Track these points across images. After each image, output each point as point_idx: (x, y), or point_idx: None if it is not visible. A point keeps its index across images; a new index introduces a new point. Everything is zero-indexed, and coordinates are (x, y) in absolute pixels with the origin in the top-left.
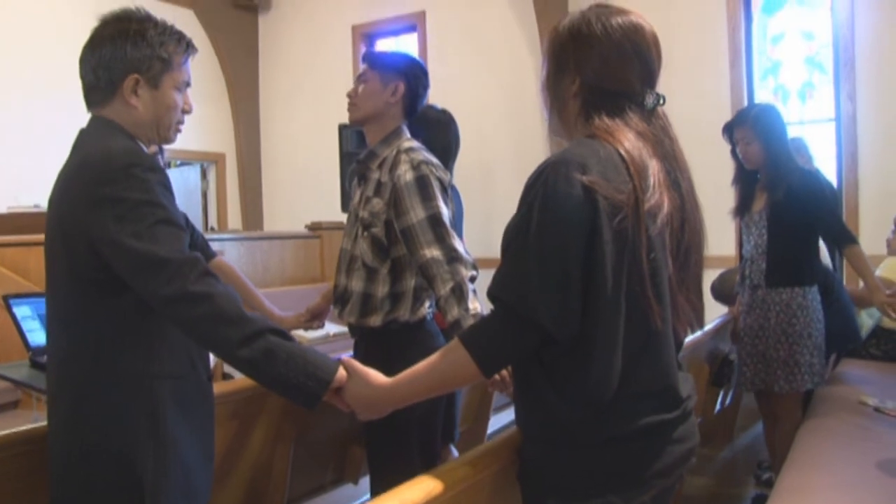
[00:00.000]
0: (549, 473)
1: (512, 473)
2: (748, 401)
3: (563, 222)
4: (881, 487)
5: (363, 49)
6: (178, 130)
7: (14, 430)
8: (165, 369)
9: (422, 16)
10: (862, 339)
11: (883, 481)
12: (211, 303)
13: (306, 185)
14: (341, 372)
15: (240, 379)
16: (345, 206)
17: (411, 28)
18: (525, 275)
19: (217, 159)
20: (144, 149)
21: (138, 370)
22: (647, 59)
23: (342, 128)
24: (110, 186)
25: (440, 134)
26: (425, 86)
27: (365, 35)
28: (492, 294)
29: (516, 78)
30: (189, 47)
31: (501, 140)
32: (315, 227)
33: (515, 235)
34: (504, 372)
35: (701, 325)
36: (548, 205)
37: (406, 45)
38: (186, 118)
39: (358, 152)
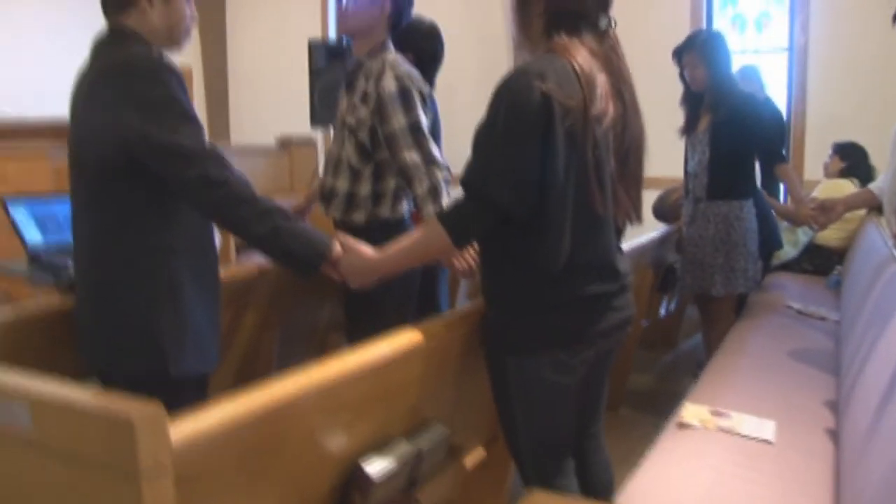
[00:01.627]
0: (508, 333)
1: (477, 335)
2: (692, 312)
3: (523, 122)
4: (791, 370)
5: None
6: (188, 38)
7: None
8: (182, 245)
9: None
10: (783, 246)
11: (791, 364)
12: (228, 186)
13: (274, 100)
14: (336, 246)
15: (229, 269)
16: (314, 120)
17: None
18: (491, 164)
19: (183, 72)
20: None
21: (158, 245)
22: None
23: (312, 44)
24: (137, 86)
25: (428, 45)
26: (410, 3)
27: None
28: (463, 180)
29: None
30: None
31: (465, 59)
32: (284, 141)
33: (483, 133)
34: (471, 261)
35: (638, 215)
36: (511, 107)
37: None
38: None
39: (327, 68)
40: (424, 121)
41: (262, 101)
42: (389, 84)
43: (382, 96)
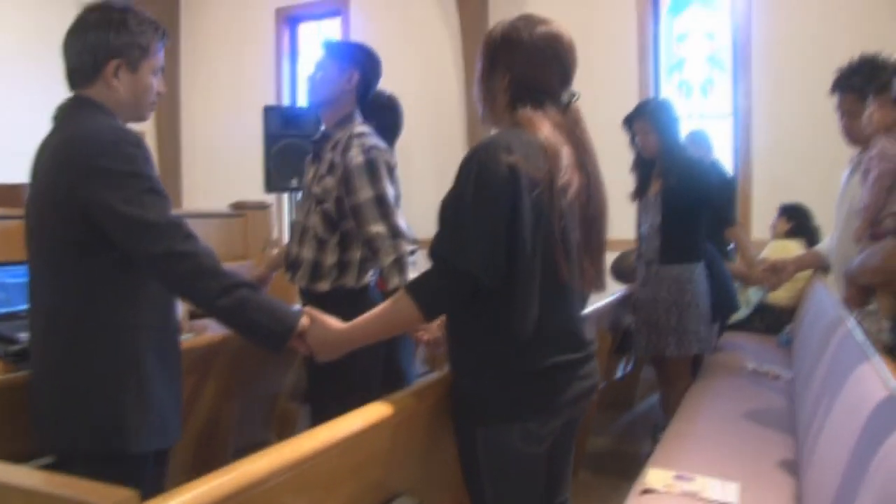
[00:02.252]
0: (476, 403)
1: (446, 405)
2: (649, 373)
3: (491, 193)
4: (750, 431)
5: (286, 32)
6: (152, 109)
7: None
8: (145, 321)
9: (345, 1)
10: (739, 308)
11: (750, 425)
12: (195, 259)
13: (228, 165)
14: (304, 319)
15: (190, 339)
16: (269, 186)
17: (335, 13)
18: (461, 236)
19: None
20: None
21: (122, 322)
22: (564, 62)
23: (266, 109)
24: (102, 159)
25: (388, 116)
26: (378, 75)
27: (288, 18)
28: (433, 252)
29: (437, 66)
30: (163, 35)
31: (420, 126)
32: (239, 207)
33: (452, 204)
34: (437, 332)
35: (602, 284)
36: (479, 179)
37: (330, 29)
38: None
39: (282, 134)
40: (391, 192)
41: (216, 167)
42: (356, 155)
43: (349, 167)
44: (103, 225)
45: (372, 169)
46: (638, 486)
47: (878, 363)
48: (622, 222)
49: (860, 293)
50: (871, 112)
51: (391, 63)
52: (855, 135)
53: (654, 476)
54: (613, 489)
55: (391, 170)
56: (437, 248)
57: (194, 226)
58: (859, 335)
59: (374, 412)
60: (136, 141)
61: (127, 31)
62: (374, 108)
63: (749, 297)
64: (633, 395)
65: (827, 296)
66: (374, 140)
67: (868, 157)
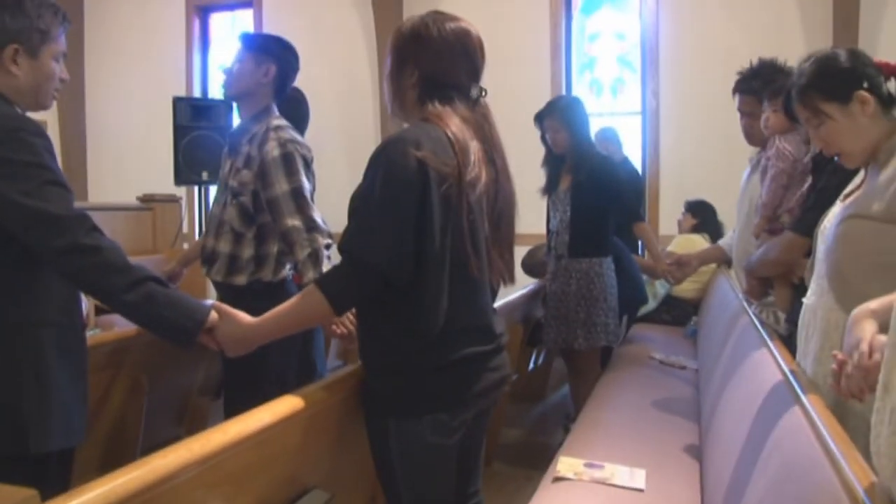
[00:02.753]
0: (388, 396)
1: (358, 398)
2: (560, 364)
3: (399, 188)
4: (657, 419)
5: (197, 21)
6: (54, 98)
7: None
8: (48, 317)
9: None
10: (648, 301)
11: (657, 413)
12: (100, 254)
13: (136, 157)
14: (213, 314)
15: (97, 334)
16: (179, 179)
17: (247, 4)
18: (369, 230)
19: None
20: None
21: (23, 317)
22: (473, 58)
23: (176, 101)
24: (1, 149)
25: (294, 110)
26: (295, 69)
27: (199, 8)
28: (342, 247)
29: (350, 61)
30: (65, 19)
31: (333, 121)
32: (147, 199)
33: (361, 199)
34: (350, 325)
35: (511, 277)
36: (388, 174)
37: (242, 20)
38: None
39: (192, 126)
40: (307, 186)
41: (124, 159)
42: (273, 149)
43: (266, 160)
44: (2, 219)
45: (288, 162)
46: (549, 475)
47: (774, 349)
48: (532, 217)
49: (759, 285)
50: (767, 116)
51: (304, 56)
52: (754, 135)
53: (565, 464)
54: (527, 479)
55: (308, 163)
56: (346, 242)
57: (101, 219)
58: (758, 325)
59: (284, 406)
60: (37, 130)
61: (23, 15)
62: (279, 100)
63: (656, 290)
64: (544, 386)
65: (730, 288)
66: (292, 133)
67: (766, 157)
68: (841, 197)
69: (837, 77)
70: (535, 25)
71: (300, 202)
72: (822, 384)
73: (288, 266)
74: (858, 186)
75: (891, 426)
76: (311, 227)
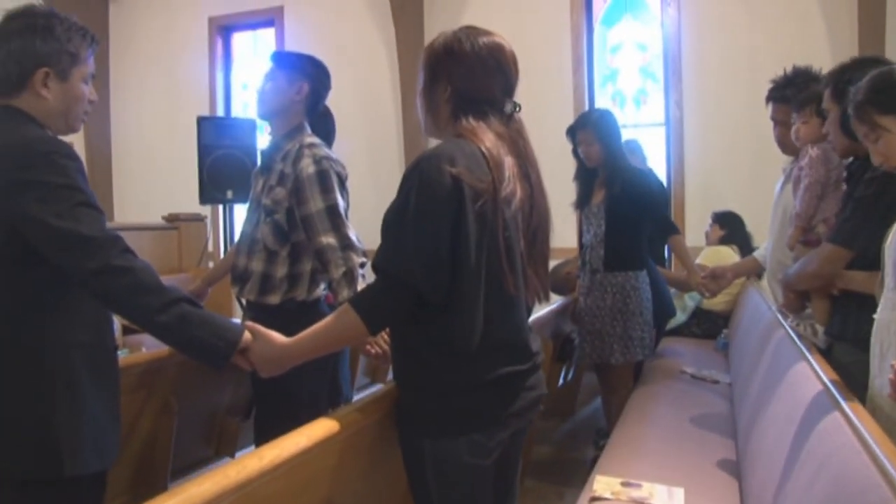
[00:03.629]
0: (423, 416)
1: (393, 419)
2: (589, 379)
3: (434, 205)
4: (692, 436)
5: (220, 41)
6: (84, 120)
7: None
8: (80, 338)
9: (280, 11)
10: (676, 314)
11: (694, 431)
12: (132, 275)
13: (161, 177)
14: (246, 334)
15: (125, 355)
16: (204, 198)
17: (269, 23)
18: (404, 248)
19: None
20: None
21: (56, 339)
22: (507, 73)
23: (201, 120)
24: (32, 171)
25: (320, 126)
26: (327, 86)
27: (221, 27)
28: (376, 265)
29: (373, 77)
30: (93, 41)
31: (357, 138)
32: (173, 219)
33: (395, 216)
34: (384, 345)
35: (546, 294)
36: (422, 191)
37: (264, 39)
38: None
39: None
40: (342, 203)
41: (149, 179)
42: (308, 166)
43: (300, 178)
44: (35, 240)
45: (323, 179)
46: (586, 494)
47: (814, 362)
48: (563, 231)
49: (797, 299)
50: (797, 126)
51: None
52: (788, 144)
53: (602, 483)
54: (558, 496)
55: (342, 181)
56: (381, 261)
57: (127, 239)
58: (795, 338)
59: (320, 429)
60: (69, 152)
61: (53, 38)
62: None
63: (686, 303)
64: (574, 402)
65: (761, 301)
66: (326, 151)
67: (799, 167)
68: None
69: (893, 91)
70: (557, 38)
71: (335, 220)
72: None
73: (322, 285)
74: None
75: None
76: (346, 245)
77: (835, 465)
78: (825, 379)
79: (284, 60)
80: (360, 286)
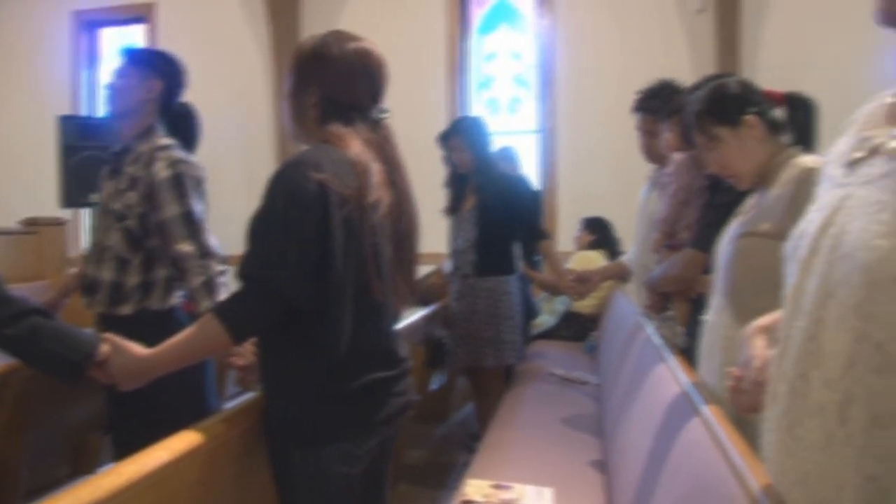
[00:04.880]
0: (293, 426)
1: (260, 430)
2: (461, 384)
3: (300, 212)
4: (561, 436)
5: (84, 37)
6: None
7: None
8: None
9: (150, 8)
10: (538, 315)
11: (563, 432)
12: None
13: (20, 179)
14: (104, 346)
15: None
16: (65, 201)
17: (139, 19)
18: (270, 255)
19: None
20: None
21: None
22: (375, 79)
23: (62, 119)
24: None
25: (183, 128)
26: (182, 84)
27: (87, 22)
28: (241, 272)
29: (247, 78)
30: None
31: (229, 140)
32: (31, 223)
33: (260, 223)
34: (251, 357)
35: (414, 300)
36: (288, 197)
37: (133, 36)
38: None
39: (80, 146)
40: (199, 208)
41: (6, 180)
42: (161, 170)
43: (154, 182)
44: None
45: (179, 184)
46: (457, 498)
47: (673, 364)
48: (434, 237)
49: (660, 300)
50: (665, 136)
51: (198, 73)
52: (653, 153)
53: (473, 487)
54: (431, 500)
55: (199, 184)
56: (246, 268)
57: None
58: (657, 339)
59: (182, 442)
60: None
61: None
62: (167, 117)
63: (555, 307)
64: (446, 407)
65: (627, 304)
66: (181, 153)
67: (665, 174)
68: (735, 215)
69: (728, 102)
70: (433, 45)
71: (192, 226)
72: (727, 399)
73: (178, 293)
74: (751, 206)
75: (777, 433)
76: (205, 252)
77: (692, 462)
78: (683, 381)
79: (136, 56)
80: (221, 294)
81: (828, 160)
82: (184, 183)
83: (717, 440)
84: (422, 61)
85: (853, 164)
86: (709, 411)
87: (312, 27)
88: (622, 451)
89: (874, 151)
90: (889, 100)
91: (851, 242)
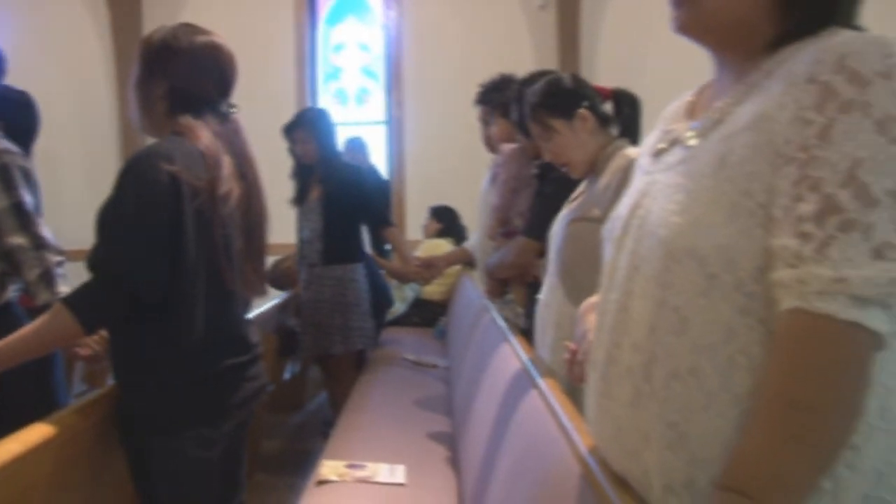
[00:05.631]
0: (146, 415)
1: (114, 420)
2: (315, 373)
3: (151, 203)
4: (412, 417)
5: None
6: None
7: None
8: None
9: None
10: (394, 304)
11: (414, 412)
12: None
13: None
14: None
15: None
16: None
17: None
18: (121, 246)
19: None
20: None
21: None
22: (224, 73)
23: None
24: None
25: (20, 117)
26: (2, 70)
27: None
28: (92, 264)
29: (86, 67)
30: None
31: (68, 130)
32: None
33: (111, 214)
34: (96, 347)
35: (264, 289)
36: (139, 189)
37: None
38: None
39: None
40: (29, 199)
41: None
42: None
43: None
44: None
45: (5, 175)
46: (314, 479)
47: (515, 343)
48: (282, 227)
49: (498, 285)
50: (493, 128)
51: (32, 58)
52: (492, 143)
53: (328, 467)
54: (289, 488)
55: (27, 174)
56: (97, 258)
57: None
58: (500, 321)
59: (33, 434)
60: None
61: None
62: (3, 107)
63: (405, 294)
64: (301, 395)
65: (473, 289)
66: (5, 143)
67: (497, 164)
68: (567, 202)
69: (562, 96)
70: (281, 35)
71: (23, 218)
72: (560, 371)
73: (12, 287)
74: (581, 193)
75: (595, 396)
76: (39, 244)
77: (529, 427)
78: (523, 357)
79: None
80: (60, 286)
81: (641, 151)
82: (11, 173)
83: (551, 407)
84: (269, 51)
85: (658, 154)
86: (544, 383)
87: (155, 13)
88: (469, 426)
89: (674, 142)
90: (689, 98)
91: (653, 221)
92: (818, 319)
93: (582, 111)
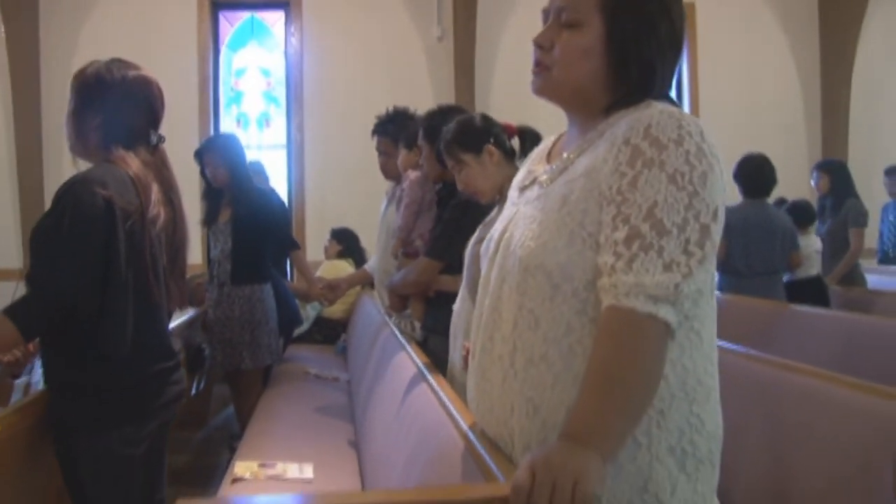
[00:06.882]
0: (76, 416)
1: (46, 422)
2: (218, 390)
3: (87, 225)
4: (318, 424)
5: None
6: None
7: None
8: None
9: None
10: (303, 323)
11: (319, 420)
12: None
13: None
14: None
15: None
16: None
17: None
18: (58, 265)
19: None
20: None
21: None
22: (153, 106)
23: None
24: None
25: None
26: None
27: None
28: (30, 279)
29: None
30: None
31: None
32: None
33: (47, 235)
34: (18, 354)
35: (185, 302)
36: (75, 212)
37: None
38: None
39: None
40: None
41: None
42: None
43: None
44: None
45: None
46: (228, 478)
47: (411, 351)
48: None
49: (400, 301)
50: (402, 157)
51: None
52: (390, 171)
53: (242, 467)
54: None
55: None
56: (35, 276)
57: None
58: (398, 333)
59: None
60: None
61: None
62: None
63: (308, 313)
64: (206, 411)
65: (373, 306)
66: None
67: (401, 189)
68: (482, 224)
69: (472, 134)
70: (183, 58)
71: None
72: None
73: None
74: (493, 218)
75: (475, 380)
76: None
77: (422, 419)
78: (418, 362)
79: None
80: None
81: (512, 185)
82: None
83: (439, 398)
84: (172, 76)
85: (522, 190)
86: (433, 379)
87: (52, 28)
88: (370, 428)
89: (534, 182)
90: (550, 142)
91: (515, 243)
92: (625, 312)
93: (489, 147)
